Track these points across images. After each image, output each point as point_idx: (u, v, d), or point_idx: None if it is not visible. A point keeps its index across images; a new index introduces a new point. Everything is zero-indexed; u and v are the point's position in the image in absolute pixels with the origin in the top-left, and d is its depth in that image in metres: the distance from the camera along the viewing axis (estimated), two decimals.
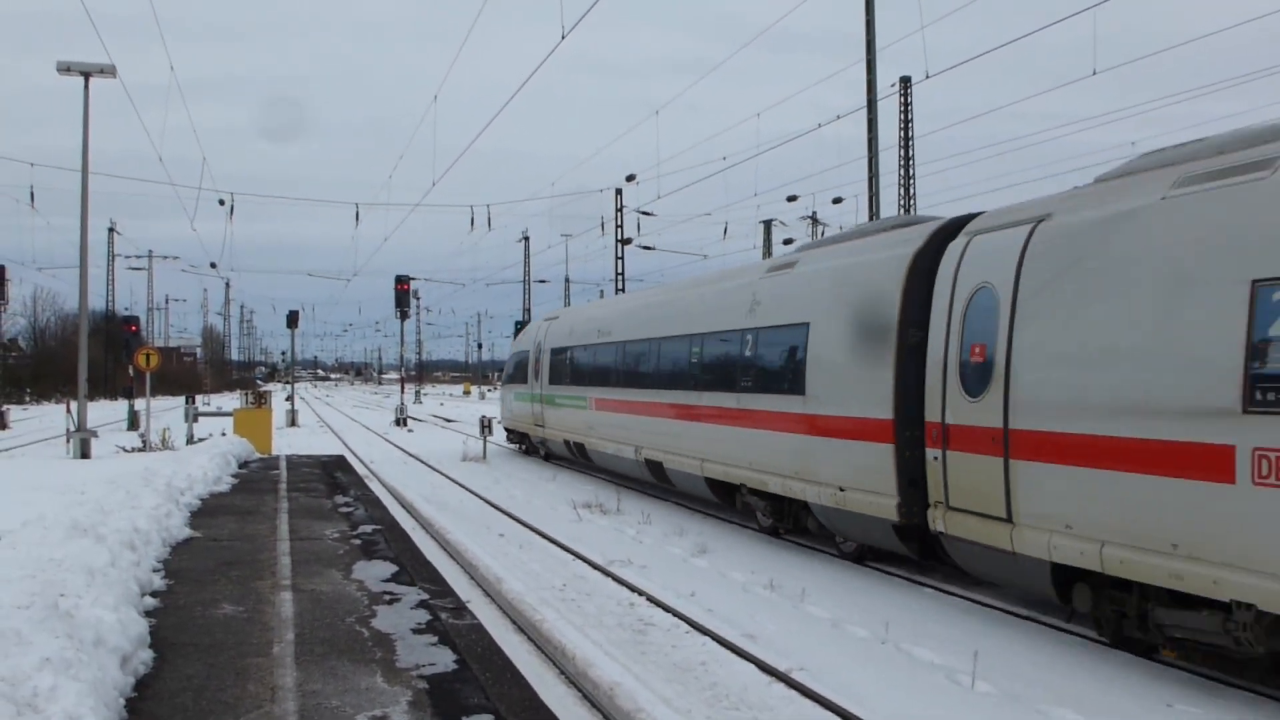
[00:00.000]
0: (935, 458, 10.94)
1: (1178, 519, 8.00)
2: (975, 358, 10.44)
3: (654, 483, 20.06)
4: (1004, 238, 10.43)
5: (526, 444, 30.66)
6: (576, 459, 25.56)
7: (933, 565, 12.14)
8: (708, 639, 9.29)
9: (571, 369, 25.29)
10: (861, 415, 12.39)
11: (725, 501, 16.78)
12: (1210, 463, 7.73)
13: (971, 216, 11.70)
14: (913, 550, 11.96)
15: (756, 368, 15.36)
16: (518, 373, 30.91)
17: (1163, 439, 8.13)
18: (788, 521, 15.02)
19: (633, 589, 11.41)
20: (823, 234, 48.29)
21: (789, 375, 14.24)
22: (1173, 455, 8.06)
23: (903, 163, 34.48)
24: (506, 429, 32.52)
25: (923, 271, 11.66)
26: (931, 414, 11.00)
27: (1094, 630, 9.51)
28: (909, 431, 11.55)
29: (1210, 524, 7.75)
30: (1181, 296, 8.16)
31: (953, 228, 11.78)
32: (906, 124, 34.15)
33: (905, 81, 33.20)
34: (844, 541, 13.89)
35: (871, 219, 24.00)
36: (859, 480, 12.41)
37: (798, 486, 13.83)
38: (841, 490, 12.74)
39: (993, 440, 10.04)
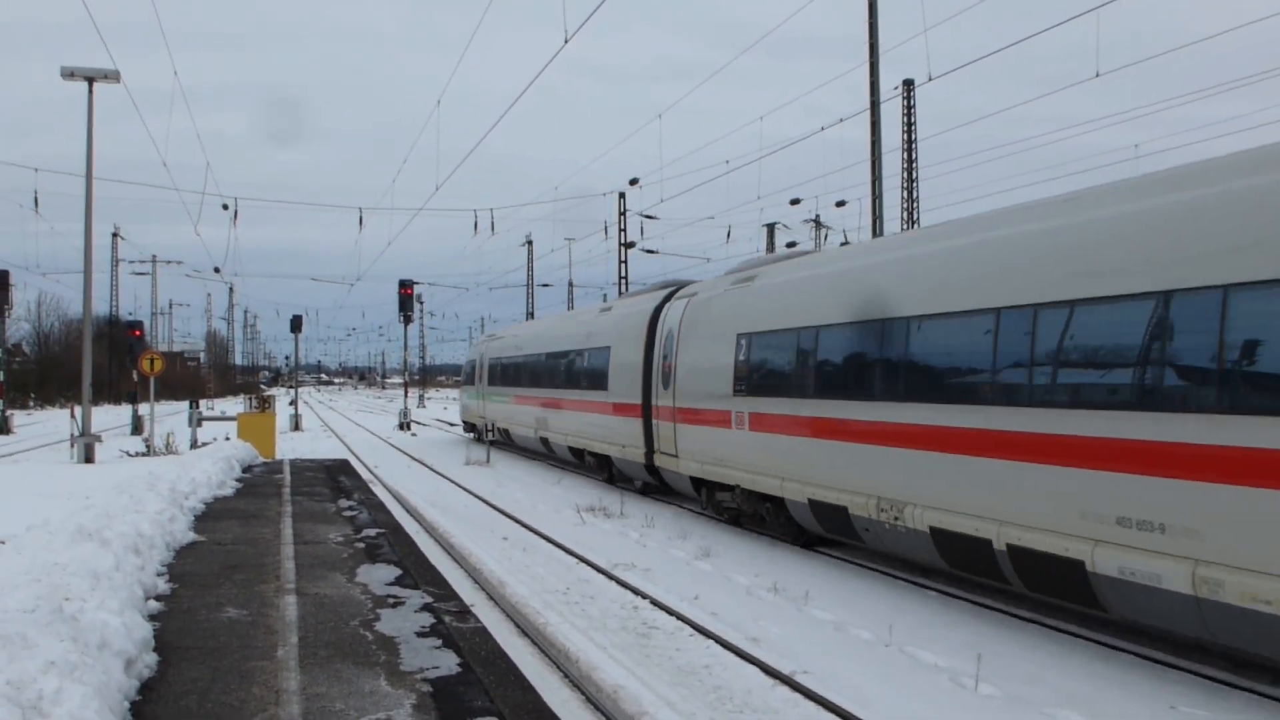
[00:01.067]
0: (655, 425, 19.08)
1: (719, 447, 16.15)
2: (666, 368, 18.43)
3: (545, 452, 28.71)
4: (680, 303, 18.64)
5: (475, 432, 38.05)
6: (504, 441, 33.97)
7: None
8: (711, 642, 9.30)
9: (500, 373, 33.79)
10: (630, 402, 20.40)
11: (579, 461, 25.06)
12: (726, 419, 15.81)
13: (688, 282, 20.55)
14: (655, 480, 19.80)
15: (588, 373, 23.47)
16: (470, 376, 40.29)
17: (713, 409, 16.25)
18: (606, 472, 23.18)
19: (636, 592, 11.43)
20: (826, 238, 48.48)
21: (602, 378, 22.24)
22: (716, 416, 16.19)
23: (905, 166, 34.46)
24: (463, 421, 41.60)
25: (656, 318, 19.73)
26: (653, 400, 19.17)
27: (715, 514, 17.33)
28: (649, 410, 19.43)
29: (728, 448, 15.87)
30: (724, 340, 15.98)
31: (674, 291, 19.90)
32: (909, 127, 34.13)
33: (908, 84, 33.17)
34: (634, 480, 21.86)
35: (875, 221, 24.05)
36: (630, 440, 20.50)
37: (607, 448, 22.03)
38: (624, 447, 20.89)
39: (672, 413, 18.13)
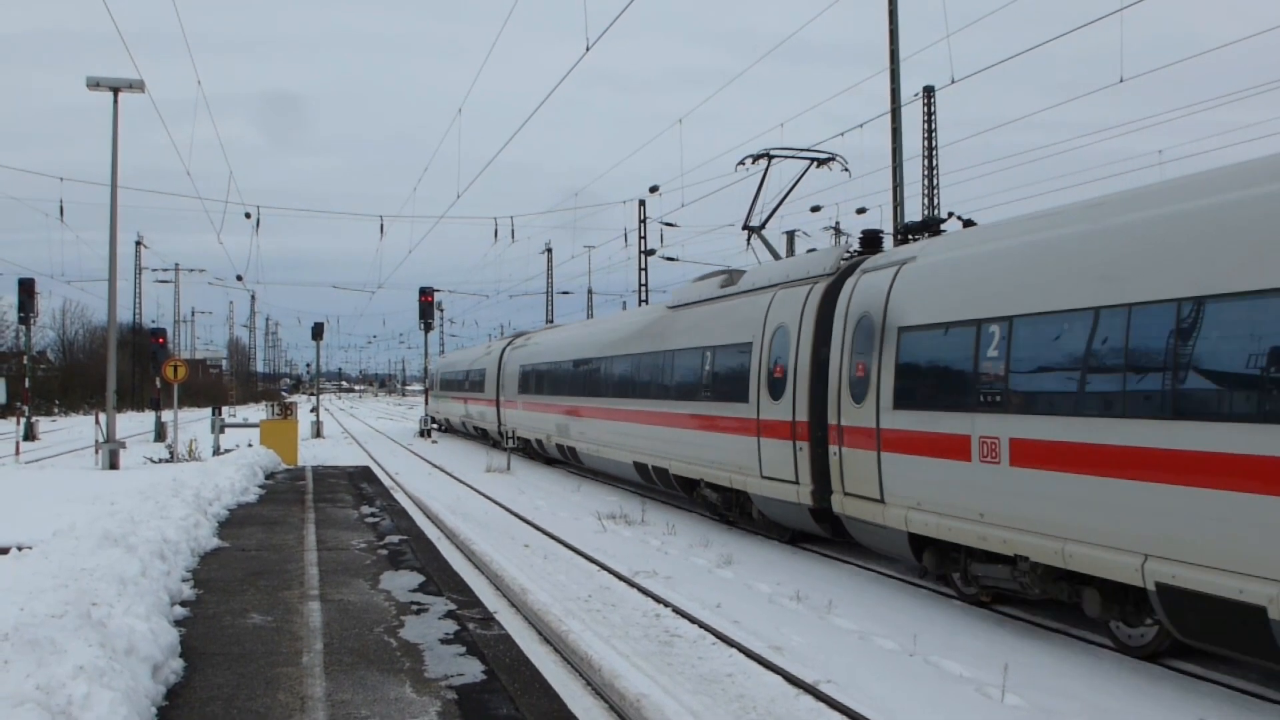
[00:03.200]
0: (499, 411, 35.85)
1: (515, 417, 32.92)
2: (503, 380, 35.43)
3: (467, 433, 45.97)
4: (509, 348, 35.95)
5: (435, 423, 55.19)
6: (450, 428, 51.38)
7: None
8: (734, 650, 9.26)
9: (443, 383, 52.23)
10: (492, 399, 36.77)
11: (480, 435, 40.77)
12: (515, 404, 33.15)
13: (525, 333, 39.81)
14: (502, 440, 34.54)
15: (479, 383, 39.75)
16: (431, 384, 58.60)
17: (513, 399, 33.49)
18: (490, 440, 37.82)
19: (658, 600, 11.40)
20: (846, 244, 48.36)
21: (482, 386, 38.82)
22: (513, 403, 33.48)
23: (926, 172, 34.39)
24: (428, 415, 56.18)
25: (502, 354, 36.51)
26: (500, 397, 35.61)
27: (522, 452, 32.73)
28: (499, 403, 35.72)
29: (518, 417, 32.49)
30: (517, 366, 33.26)
31: (513, 340, 37.18)
32: (930, 133, 34.06)
33: (929, 91, 33.13)
34: (501, 444, 34.23)
35: (896, 228, 24.01)
36: (493, 420, 36.93)
37: (485, 425, 38.92)
38: (491, 424, 37.34)
39: (505, 404, 34.75)
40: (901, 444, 11.68)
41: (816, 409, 13.56)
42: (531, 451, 31.84)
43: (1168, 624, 8.29)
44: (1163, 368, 8.19)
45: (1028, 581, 9.91)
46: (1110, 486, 8.63)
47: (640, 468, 20.55)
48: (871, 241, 14.53)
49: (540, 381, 29.91)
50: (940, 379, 11.29)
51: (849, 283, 13.24)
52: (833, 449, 13.02)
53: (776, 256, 18.45)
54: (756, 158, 18.36)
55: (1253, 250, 7.54)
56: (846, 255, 14.59)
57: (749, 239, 19.62)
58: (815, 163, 18.58)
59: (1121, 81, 19.74)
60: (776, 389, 14.64)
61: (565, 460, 27.81)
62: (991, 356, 10.27)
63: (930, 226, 13.60)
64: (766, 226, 19.38)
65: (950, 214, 14.13)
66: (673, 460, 18.61)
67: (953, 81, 22.28)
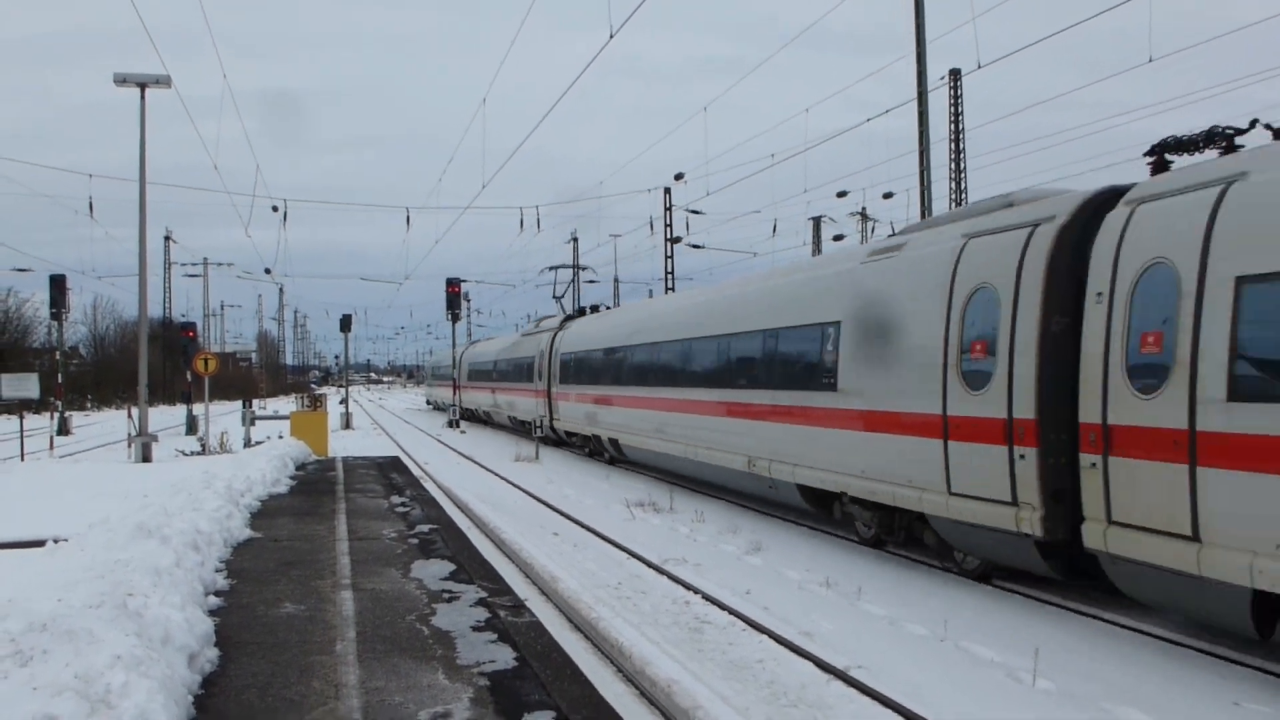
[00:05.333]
0: (457, 393, 54.70)
1: (468, 398, 52.87)
2: (465, 374, 54.29)
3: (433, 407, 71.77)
4: (465, 351, 58.74)
5: (431, 404, 74.18)
6: (439, 407, 66.84)
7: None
8: (764, 637, 9.27)
9: (431, 374, 74.18)
10: (455, 385, 54.53)
11: (449, 409, 56.52)
12: (468, 389, 52.41)
13: (479, 340, 66.77)
14: (466, 413, 55.33)
15: (450, 374, 56.37)
16: (425, 377, 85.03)
17: (466, 384, 53.76)
18: (457, 412, 52.38)
19: (688, 587, 11.42)
20: (873, 229, 48.26)
21: (453, 375, 55.13)
22: (466, 387, 53.35)
23: (953, 156, 34.12)
24: (426, 400, 74.52)
25: (461, 358, 57.15)
26: (459, 382, 54.80)
27: (471, 419, 53.83)
28: (457, 388, 55.27)
29: (469, 397, 52.34)
30: (467, 365, 54.90)
31: (469, 345, 63.78)
32: (957, 117, 33.79)
33: (955, 74, 32.83)
34: (472, 419, 54.25)
35: (923, 213, 23.87)
36: (452, 398, 54.96)
37: (451, 402, 55.01)
38: (454, 403, 54.21)
39: (460, 388, 53.85)
40: (563, 398, 30.26)
41: (552, 383, 31.70)
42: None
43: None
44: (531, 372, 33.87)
45: (582, 442, 29.56)
46: (583, 405, 28.28)
47: (510, 419, 39.37)
48: (580, 311, 33.29)
49: (477, 373, 48.89)
50: (566, 373, 29.74)
51: (557, 334, 32.06)
52: (554, 402, 31.69)
53: (562, 311, 37.12)
54: (554, 268, 42.93)
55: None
56: (565, 318, 33.60)
57: (559, 304, 39.38)
58: (580, 269, 46.49)
59: (1151, 61, 19.49)
60: (541, 375, 33.27)
61: (486, 421, 48.77)
62: (574, 367, 29.24)
63: (595, 308, 32.88)
64: (564, 299, 41.14)
65: (601, 305, 32.52)
66: (517, 412, 37.50)
67: (979, 67, 22.08)
